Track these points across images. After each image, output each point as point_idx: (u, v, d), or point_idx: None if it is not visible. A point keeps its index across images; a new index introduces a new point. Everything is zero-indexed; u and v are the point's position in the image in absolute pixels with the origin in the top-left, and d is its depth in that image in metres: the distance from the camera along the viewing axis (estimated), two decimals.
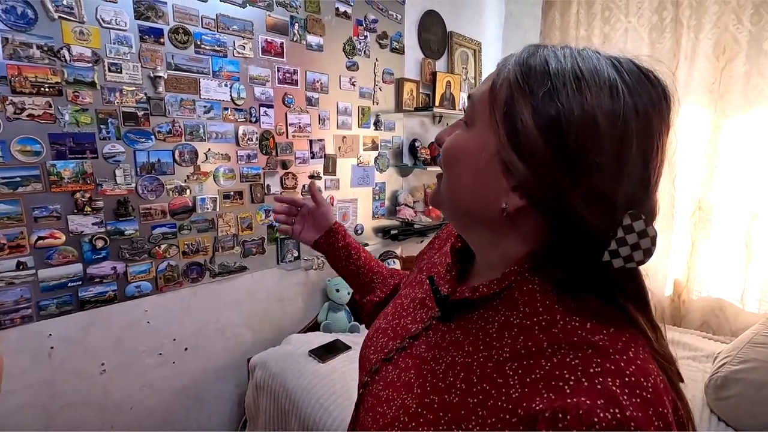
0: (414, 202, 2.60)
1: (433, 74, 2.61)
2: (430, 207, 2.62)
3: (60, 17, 1.31)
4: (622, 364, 0.32)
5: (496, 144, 0.38)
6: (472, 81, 2.98)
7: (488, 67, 3.10)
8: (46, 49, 1.30)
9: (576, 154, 0.34)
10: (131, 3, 1.45)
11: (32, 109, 1.29)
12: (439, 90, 2.64)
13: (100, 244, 1.46)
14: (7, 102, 1.25)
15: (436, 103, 2.61)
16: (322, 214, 0.81)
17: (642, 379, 0.32)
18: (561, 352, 0.35)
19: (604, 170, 0.34)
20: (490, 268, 0.44)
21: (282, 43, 1.88)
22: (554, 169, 0.35)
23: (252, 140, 1.83)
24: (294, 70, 1.94)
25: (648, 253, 0.34)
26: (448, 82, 2.68)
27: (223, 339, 1.84)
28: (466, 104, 0.51)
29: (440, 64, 2.74)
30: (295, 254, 2.05)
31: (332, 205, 2.18)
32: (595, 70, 0.35)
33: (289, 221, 0.83)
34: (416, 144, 2.58)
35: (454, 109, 2.73)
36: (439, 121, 2.75)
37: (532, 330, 0.37)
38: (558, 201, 0.36)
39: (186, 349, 1.74)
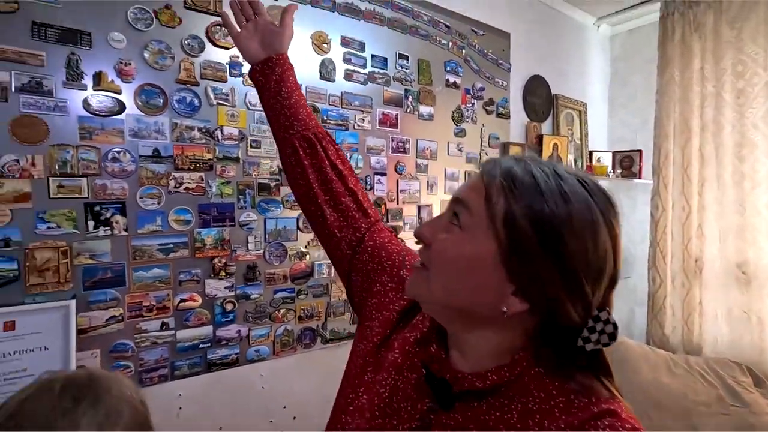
0: None
1: (539, 137, 2.54)
2: None
3: (218, 103, 1.49)
4: (631, 419, 0.41)
5: (497, 251, 0.42)
6: (578, 142, 2.85)
7: (594, 127, 2.97)
8: (204, 131, 1.47)
9: (568, 259, 0.40)
10: None
11: (188, 183, 1.44)
12: (546, 152, 2.54)
13: (229, 307, 1.53)
14: (170, 177, 1.40)
15: None
16: (277, 35, 0.76)
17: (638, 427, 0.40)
18: (591, 423, 0.40)
19: (589, 273, 0.41)
20: (479, 354, 0.47)
21: (396, 115, 1.96)
22: (551, 274, 0.40)
23: None
24: (406, 139, 1.99)
25: (612, 336, 0.41)
26: (555, 144, 2.58)
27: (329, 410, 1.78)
28: (454, 206, 0.49)
29: (545, 127, 2.67)
30: None
31: None
32: (573, 186, 0.42)
33: (239, 19, 0.79)
34: None
35: None
36: None
37: (553, 413, 0.41)
38: (552, 303, 0.41)
39: (294, 418, 1.70)
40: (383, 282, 0.68)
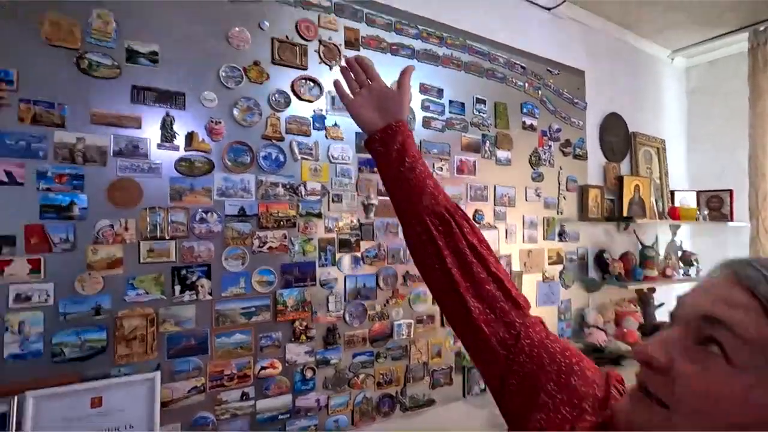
0: (605, 323, 2.21)
1: (619, 179, 2.36)
2: (625, 329, 2.21)
3: (302, 158, 1.44)
4: None
5: None
6: (658, 181, 2.64)
7: (673, 165, 2.75)
8: (288, 186, 1.41)
9: None
10: (354, 139, 1.55)
11: (272, 242, 1.37)
12: (627, 195, 2.36)
13: (309, 374, 1.42)
14: (255, 236, 1.34)
15: (625, 210, 2.33)
16: (395, 100, 0.69)
17: None
18: None
19: None
20: None
21: (474, 162, 1.85)
22: None
23: None
24: (484, 186, 1.88)
25: None
26: (637, 186, 2.40)
27: None
28: (706, 327, 0.36)
29: (623, 167, 2.49)
30: (482, 386, 1.81)
31: None
32: None
33: (352, 86, 0.73)
34: (604, 256, 2.27)
35: (645, 215, 2.40)
36: (625, 228, 2.42)
37: None
38: None
39: None
40: (549, 392, 0.55)
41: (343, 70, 0.76)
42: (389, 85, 0.74)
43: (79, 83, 1.13)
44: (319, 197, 1.47)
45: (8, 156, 1.04)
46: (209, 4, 1.30)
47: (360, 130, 0.78)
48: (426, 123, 1.73)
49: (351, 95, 0.74)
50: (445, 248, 0.64)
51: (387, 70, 1.60)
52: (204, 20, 1.29)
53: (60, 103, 1.10)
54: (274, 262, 1.38)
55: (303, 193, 1.44)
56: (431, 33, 1.76)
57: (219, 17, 1.32)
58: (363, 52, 1.58)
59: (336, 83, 0.77)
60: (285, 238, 1.40)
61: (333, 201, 1.50)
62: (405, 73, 0.73)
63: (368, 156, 1.55)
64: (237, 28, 1.34)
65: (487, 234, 1.83)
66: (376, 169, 0.76)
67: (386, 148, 0.68)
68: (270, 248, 1.37)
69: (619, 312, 2.29)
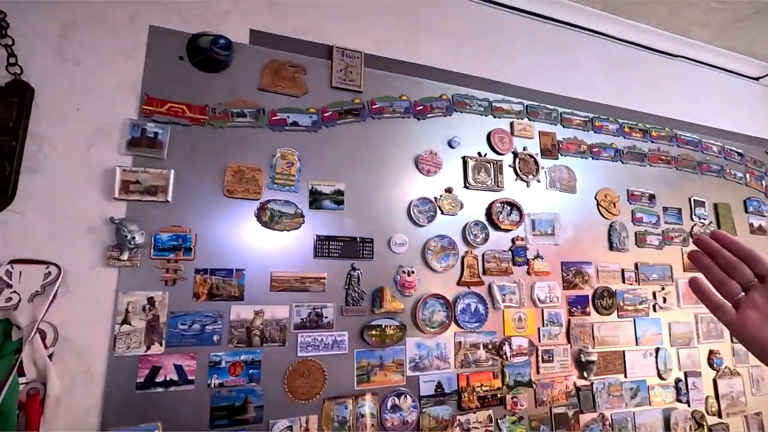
0: None
1: None
2: None
3: (505, 306, 1.09)
4: None
5: None
6: None
7: None
8: (490, 347, 1.06)
9: None
10: (559, 269, 1.18)
11: (475, 427, 1.00)
12: None
13: None
14: (456, 423, 0.98)
15: None
16: None
17: None
18: None
19: None
20: None
21: None
22: None
23: (685, 429, 1.24)
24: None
25: None
26: None
27: None
28: None
29: None
30: None
31: None
32: None
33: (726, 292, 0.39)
34: None
35: None
36: None
37: None
38: None
39: None
40: None
41: (697, 260, 0.42)
42: None
43: (260, 239, 0.90)
44: (526, 357, 1.09)
45: (180, 345, 0.81)
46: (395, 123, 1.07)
47: None
48: (640, 240, 1.32)
49: (729, 305, 0.40)
50: None
51: (588, 177, 1.27)
52: (395, 141, 1.06)
53: (239, 269, 0.88)
54: None
55: (508, 353, 1.07)
56: (633, 126, 1.40)
57: (407, 136, 1.08)
58: (562, 160, 1.26)
59: (696, 284, 0.42)
60: (491, 421, 1.02)
61: (543, 360, 1.12)
62: None
63: (578, 292, 1.18)
64: (427, 151, 1.08)
65: (729, 384, 1.32)
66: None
67: None
68: None
69: None
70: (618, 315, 1.24)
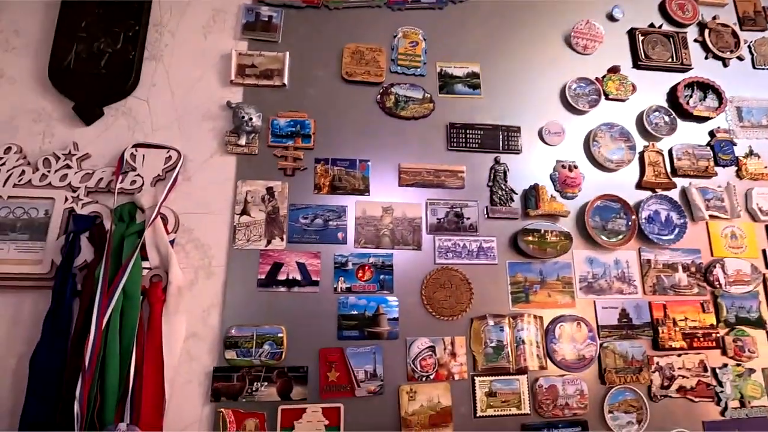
0: None
1: None
2: None
3: (710, 215, 0.79)
4: None
5: None
6: None
7: None
8: (693, 269, 0.77)
9: None
10: None
11: (682, 376, 0.72)
12: None
13: None
14: (653, 366, 0.71)
15: None
16: None
17: None
18: None
19: None
20: None
21: None
22: None
23: None
24: None
25: None
26: None
27: None
28: None
29: None
30: None
31: None
32: None
33: None
34: None
35: None
36: None
37: None
38: None
39: None
40: None
41: None
42: None
43: (384, 128, 0.76)
44: (749, 287, 0.77)
45: (302, 241, 0.70)
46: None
47: None
48: None
49: None
50: None
51: None
52: (540, 14, 0.86)
53: (363, 160, 0.74)
54: (690, 417, 0.71)
55: (722, 279, 0.77)
56: None
57: (555, 9, 0.87)
58: None
59: None
60: (705, 370, 0.73)
61: None
62: None
63: None
64: (582, 21, 0.85)
65: None
66: None
67: None
68: (680, 389, 0.71)
69: None
70: None
